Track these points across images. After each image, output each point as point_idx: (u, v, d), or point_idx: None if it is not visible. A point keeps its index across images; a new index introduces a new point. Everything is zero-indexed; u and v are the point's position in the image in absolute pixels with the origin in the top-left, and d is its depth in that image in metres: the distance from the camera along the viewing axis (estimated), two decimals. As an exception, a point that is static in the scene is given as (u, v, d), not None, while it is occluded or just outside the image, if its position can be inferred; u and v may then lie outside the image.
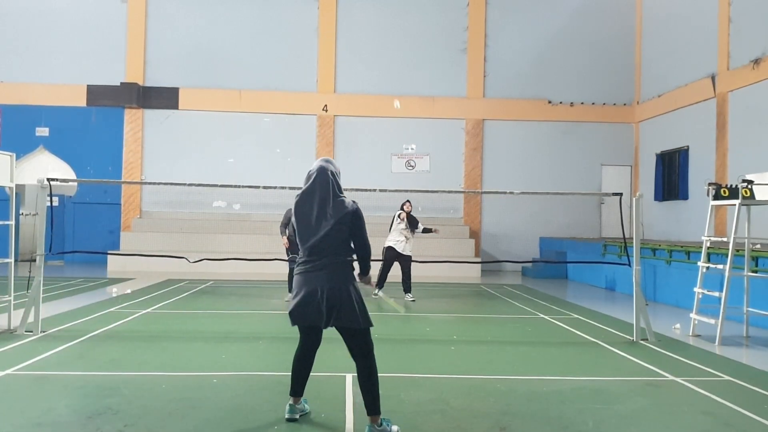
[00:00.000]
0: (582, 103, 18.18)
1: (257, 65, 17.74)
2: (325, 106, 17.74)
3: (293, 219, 4.05)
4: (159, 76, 17.57)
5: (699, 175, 14.80)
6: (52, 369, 5.55)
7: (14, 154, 7.53)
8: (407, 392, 4.93)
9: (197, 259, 9.78)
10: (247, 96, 17.65)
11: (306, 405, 4.35)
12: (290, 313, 4.00)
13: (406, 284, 10.77)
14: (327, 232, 3.90)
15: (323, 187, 3.98)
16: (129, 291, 11.31)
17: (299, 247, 4.03)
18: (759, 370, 6.00)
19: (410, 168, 17.93)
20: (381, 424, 3.88)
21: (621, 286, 12.65)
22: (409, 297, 10.69)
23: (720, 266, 7.60)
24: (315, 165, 4.09)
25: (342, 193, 4.06)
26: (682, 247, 10.92)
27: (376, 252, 8.33)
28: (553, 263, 15.28)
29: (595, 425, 4.26)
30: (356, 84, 17.90)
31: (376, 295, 10.58)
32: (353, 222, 3.96)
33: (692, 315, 7.81)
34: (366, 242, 4.06)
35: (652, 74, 17.43)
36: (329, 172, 4.03)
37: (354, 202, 4.04)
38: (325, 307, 3.86)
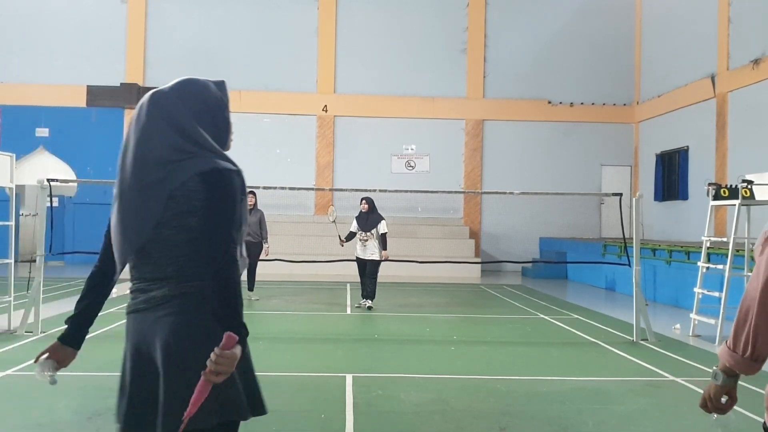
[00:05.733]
0: (582, 104, 18.18)
1: (257, 66, 17.73)
2: (325, 106, 17.74)
3: None
4: (159, 77, 17.54)
5: (699, 175, 14.79)
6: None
7: (14, 155, 7.53)
8: (407, 392, 4.91)
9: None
10: (247, 96, 17.63)
11: None
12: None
13: (369, 288, 9.49)
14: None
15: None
16: (129, 291, 11.28)
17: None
18: (759, 370, 5.99)
19: (410, 168, 17.93)
20: None
21: (621, 286, 12.64)
22: (362, 302, 9.52)
23: (720, 266, 7.60)
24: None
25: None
26: (682, 247, 10.92)
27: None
28: (553, 263, 15.28)
29: (594, 425, 4.26)
30: (356, 84, 17.89)
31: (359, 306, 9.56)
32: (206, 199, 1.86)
33: (692, 315, 7.81)
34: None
35: (652, 74, 17.42)
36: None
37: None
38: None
